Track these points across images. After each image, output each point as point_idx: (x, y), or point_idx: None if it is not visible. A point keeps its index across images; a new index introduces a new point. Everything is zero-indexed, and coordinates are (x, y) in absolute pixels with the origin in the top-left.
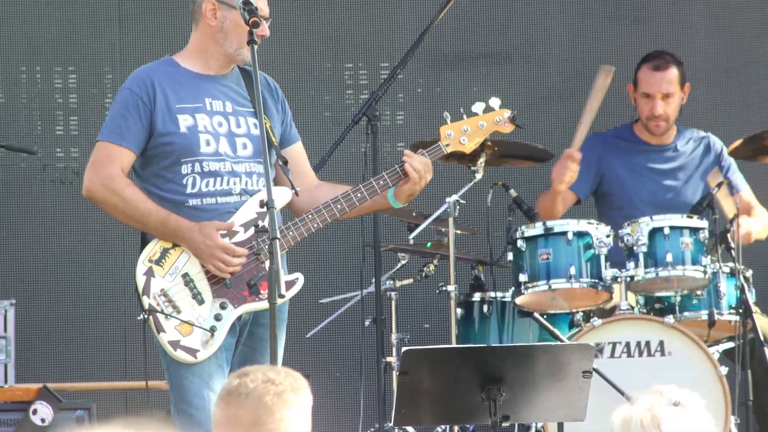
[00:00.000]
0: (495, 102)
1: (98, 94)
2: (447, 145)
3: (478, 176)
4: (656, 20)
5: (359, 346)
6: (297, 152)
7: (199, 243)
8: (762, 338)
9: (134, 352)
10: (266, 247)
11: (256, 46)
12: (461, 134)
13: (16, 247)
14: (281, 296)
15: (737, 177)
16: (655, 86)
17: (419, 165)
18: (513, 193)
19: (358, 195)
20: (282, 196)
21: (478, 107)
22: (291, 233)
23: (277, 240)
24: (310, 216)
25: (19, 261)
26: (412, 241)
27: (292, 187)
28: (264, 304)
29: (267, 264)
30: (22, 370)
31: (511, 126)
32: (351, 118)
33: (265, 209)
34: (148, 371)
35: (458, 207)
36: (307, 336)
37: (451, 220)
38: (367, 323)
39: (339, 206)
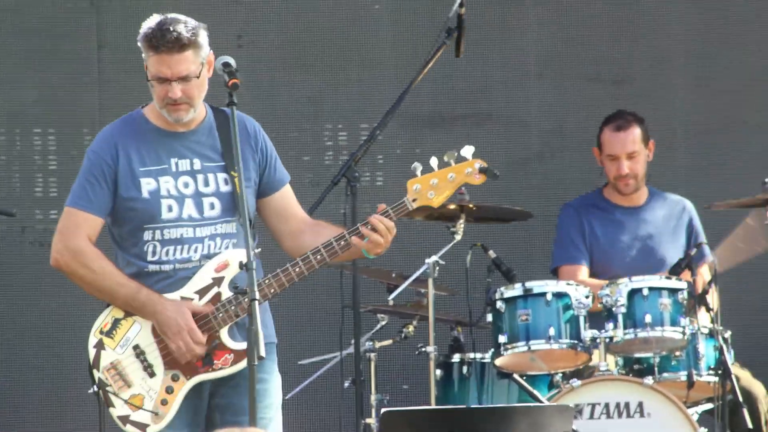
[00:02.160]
0: (468, 150)
1: (78, 156)
2: (414, 200)
3: (458, 237)
4: (636, 81)
5: (338, 407)
6: (284, 195)
7: (170, 319)
8: (741, 398)
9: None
10: (219, 315)
11: (234, 108)
12: (429, 188)
13: None
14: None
15: (704, 248)
16: (618, 147)
17: (375, 235)
18: (492, 254)
19: (318, 257)
20: (240, 258)
21: (449, 156)
22: (245, 299)
23: (256, 301)
24: (267, 281)
25: None
26: (391, 302)
27: (252, 249)
28: (216, 374)
29: (222, 333)
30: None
31: (483, 177)
32: (330, 179)
33: (222, 275)
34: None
35: (437, 268)
36: (287, 397)
37: (430, 280)
38: (346, 384)
39: (297, 269)
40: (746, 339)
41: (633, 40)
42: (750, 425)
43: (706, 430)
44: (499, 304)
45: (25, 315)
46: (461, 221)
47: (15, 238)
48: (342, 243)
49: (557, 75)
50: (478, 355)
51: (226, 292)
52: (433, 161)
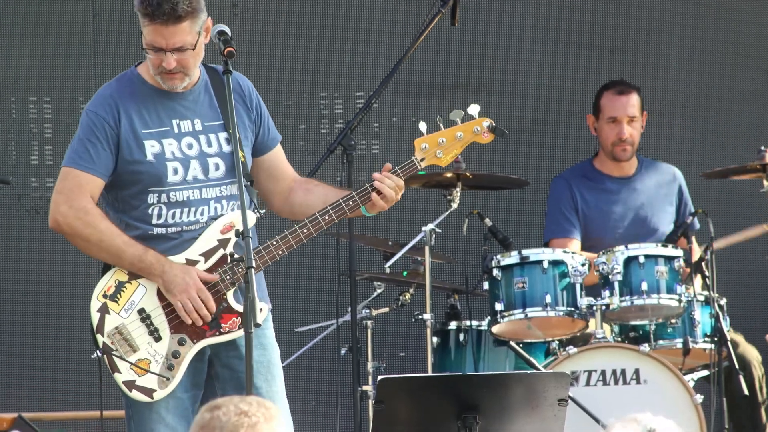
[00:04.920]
0: (474, 109)
1: (73, 124)
2: (422, 160)
3: (454, 205)
4: (631, 51)
5: (335, 374)
6: (276, 154)
7: (176, 277)
8: (737, 365)
9: (109, 380)
10: (227, 278)
11: (230, 76)
12: (437, 146)
13: None
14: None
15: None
16: (621, 110)
17: (388, 190)
18: (488, 222)
19: (326, 218)
20: (248, 219)
21: (455, 115)
22: (255, 262)
23: (252, 269)
24: (274, 243)
25: None
26: (388, 270)
27: (255, 209)
28: (224, 338)
29: (228, 296)
30: None
31: (491, 136)
32: (326, 147)
33: (228, 236)
34: (109, 400)
35: (434, 236)
36: (283, 364)
37: (427, 248)
38: (343, 352)
39: (305, 230)
40: (741, 306)
41: (627, 9)
42: (746, 392)
43: (702, 396)
44: (496, 272)
45: (21, 283)
46: (457, 189)
47: (11, 206)
48: (351, 203)
49: (552, 43)
50: (475, 323)
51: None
52: (439, 120)
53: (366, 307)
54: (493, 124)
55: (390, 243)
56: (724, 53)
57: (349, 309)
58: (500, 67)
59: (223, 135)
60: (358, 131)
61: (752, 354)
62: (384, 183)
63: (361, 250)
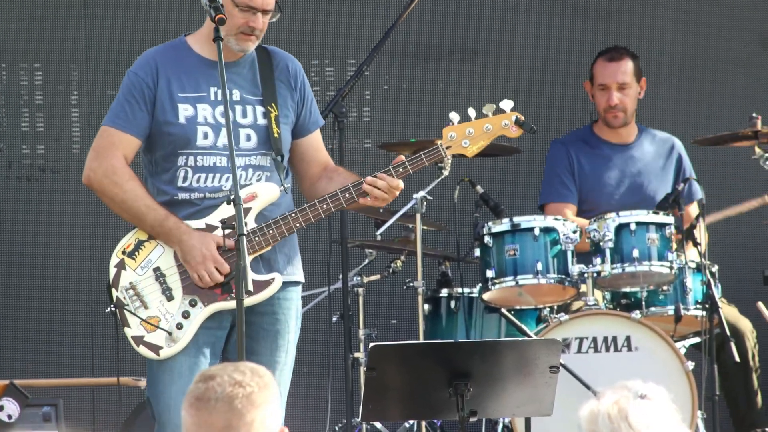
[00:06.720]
0: (507, 104)
1: (64, 91)
2: (447, 148)
3: (445, 172)
4: (624, 16)
5: (327, 342)
6: (312, 141)
7: (194, 248)
8: (728, 332)
9: (101, 348)
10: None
11: (221, 43)
12: (464, 137)
13: None
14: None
15: (694, 185)
16: (610, 77)
17: (378, 192)
18: (480, 189)
19: (347, 195)
20: (269, 191)
21: (488, 108)
22: (272, 232)
23: (244, 236)
24: (293, 215)
25: None
26: (379, 237)
27: (281, 183)
28: (234, 303)
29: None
30: None
31: (519, 131)
32: None
33: (250, 205)
34: (120, 368)
35: (425, 203)
36: None
37: (418, 216)
38: (334, 319)
39: (324, 206)
40: (733, 276)
41: None
42: (737, 359)
43: (694, 363)
44: (487, 239)
45: (12, 251)
46: (449, 156)
47: (2, 173)
48: (347, 195)
49: (544, 9)
50: (466, 290)
51: (251, 223)
52: (471, 112)
53: (357, 275)
54: (521, 119)
55: (381, 210)
56: (717, 18)
57: (341, 276)
58: (492, 33)
59: (260, 109)
60: (350, 98)
61: (745, 325)
62: (374, 186)
63: (352, 217)
